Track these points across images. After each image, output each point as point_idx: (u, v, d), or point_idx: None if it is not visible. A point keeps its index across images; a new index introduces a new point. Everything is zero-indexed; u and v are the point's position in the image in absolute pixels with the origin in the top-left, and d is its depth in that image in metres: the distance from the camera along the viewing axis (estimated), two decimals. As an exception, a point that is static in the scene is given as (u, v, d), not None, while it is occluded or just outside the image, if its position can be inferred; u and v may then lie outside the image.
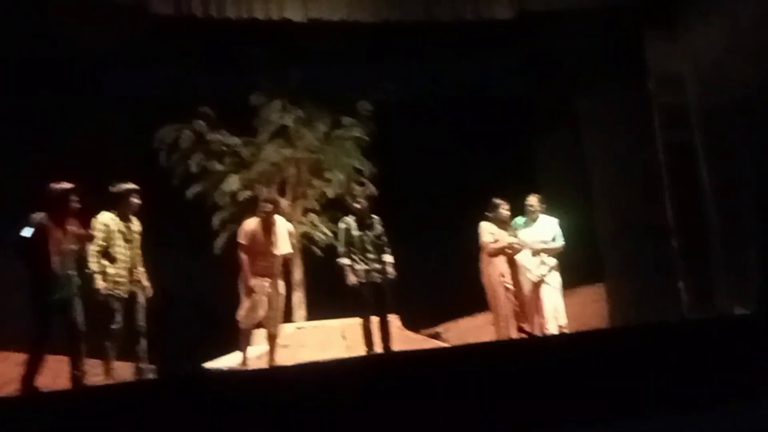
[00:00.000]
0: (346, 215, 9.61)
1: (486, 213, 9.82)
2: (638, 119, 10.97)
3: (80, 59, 10.82)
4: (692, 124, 10.79)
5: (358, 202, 9.57)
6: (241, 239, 9.14)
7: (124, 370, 8.47)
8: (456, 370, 6.78)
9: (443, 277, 12.87)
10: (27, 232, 7.63)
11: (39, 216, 7.71)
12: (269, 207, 9.22)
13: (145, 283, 8.47)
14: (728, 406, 6.14)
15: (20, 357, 9.44)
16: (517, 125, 12.87)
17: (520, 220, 9.86)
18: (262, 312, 9.07)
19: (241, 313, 9.06)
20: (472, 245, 10.90)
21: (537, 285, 9.68)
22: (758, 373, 6.46)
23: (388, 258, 9.41)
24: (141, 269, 8.46)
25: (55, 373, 7.99)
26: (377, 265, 9.34)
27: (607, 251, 11.59)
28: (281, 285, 9.21)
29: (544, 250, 9.69)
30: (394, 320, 10.34)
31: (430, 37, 11.30)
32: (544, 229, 9.76)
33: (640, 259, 11.02)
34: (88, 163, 10.12)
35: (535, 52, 12.27)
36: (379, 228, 9.48)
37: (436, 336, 12.48)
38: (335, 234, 10.03)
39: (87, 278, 8.04)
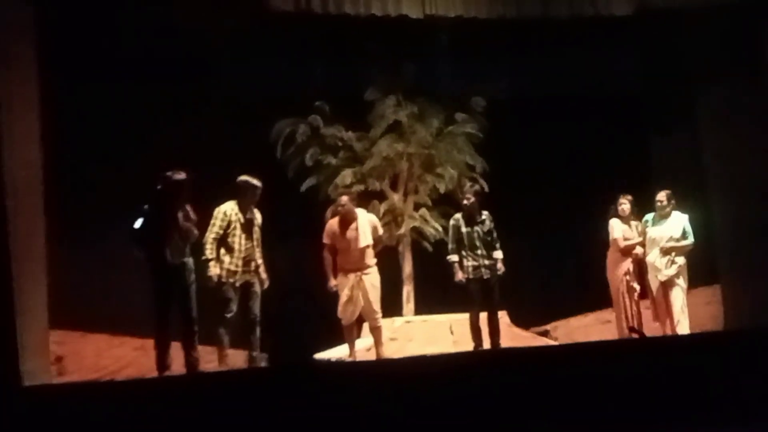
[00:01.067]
0: (457, 211, 9.65)
1: (612, 209, 9.78)
2: (759, 117, 10.66)
3: (199, 54, 11.10)
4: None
5: (466, 199, 9.58)
6: (325, 239, 9.22)
7: (236, 358, 8.69)
8: (564, 368, 6.75)
9: (554, 274, 12.78)
10: (137, 223, 7.87)
11: (147, 207, 7.94)
12: (343, 201, 9.27)
13: (263, 275, 8.66)
14: None
15: (137, 342, 9.82)
16: (633, 123, 12.66)
17: (649, 216, 9.73)
18: (357, 307, 9.13)
19: (339, 309, 9.18)
20: (585, 243, 10.82)
21: (665, 285, 9.52)
22: None
23: (498, 254, 9.41)
24: (260, 261, 8.64)
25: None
26: (486, 262, 9.37)
27: (724, 252, 11.29)
28: (373, 278, 9.20)
29: (674, 249, 9.53)
30: (502, 317, 10.31)
31: (546, 33, 11.22)
32: (674, 227, 9.58)
33: (758, 261, 10.71)
34: (207, 156, 10.42)
35: (653, 49, 12.05)
36: (489, 224, 9.48)
37: (544, 334, 12.38)
38: (445, 229, 10.07)
39: (203, 265, 8.25)
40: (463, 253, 9.37)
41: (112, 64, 10.63)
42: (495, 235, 9.48)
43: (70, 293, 9.34)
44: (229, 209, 8.51)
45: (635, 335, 9.51)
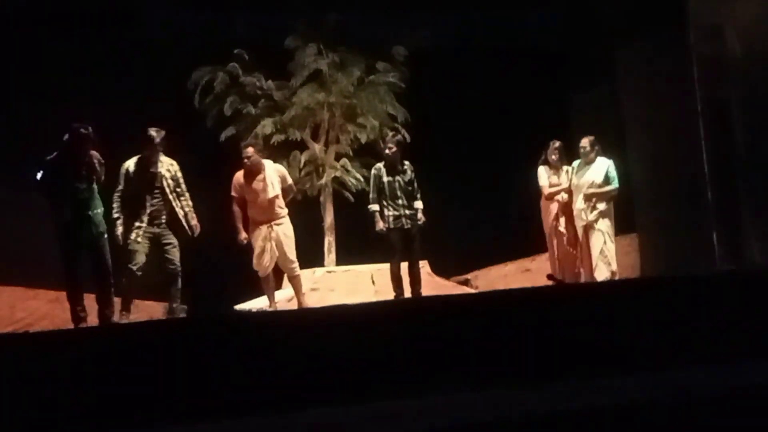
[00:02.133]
0: (379, 161, 9.65)
1: (542, 157, 9.92)
2: (677, 71, 10.82)
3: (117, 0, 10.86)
4: (730, 78, 10.65)
5: (388, 148, 9.58)
6: (232, 192, 9.19)
7: (155, 309, 8.60)
8: (483, 316, 6.81)
9: (475, 224, 12.88)
10: (39, 174, 7.75)
11: (50, 158, 7.81)
12: (249, 153, 9.17)
13: (192, 221, 8.56)
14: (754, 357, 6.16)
15: (52, 294, 9.66)
16: (552, 75, 12.76)
17: (576, 163, 9.84)
18: (272, 258, 9.13)
19: (254, 261, 9.17)
20: (506, 192, 10.91)
21: (586, 230, 9.64)
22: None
23: (418, 204, 9.45)
24: (186, 209, 8.56)
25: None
26: (407, 212, 9.40)
27: (641, 202, 11.51)
28: (285, 228, 9.20)
29: (595, 194, 9.64)
30: (423, 266, 10.40)
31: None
32: (596, 172, 9.68)
33: (673, 211, 10.94)
34: (123, 105, 10.21)
35: (573, 1, 12.12)
36: (410, 174, 9.50)
37: (465, 283, 12.52)
38: (367, 179, 10.04)
39: (109, 223, 8.13)
40: (384, 203, 9.39)
41: (24, 7, 10.31)
42: (416, 185, 9.51)
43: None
44: (132, 165, 8.40)
45: (552, 282, 9.67)
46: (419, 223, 9.43)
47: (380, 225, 9.35)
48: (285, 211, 9.25)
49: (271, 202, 9.09)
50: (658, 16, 10.85)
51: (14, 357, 6.02)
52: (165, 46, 11.48)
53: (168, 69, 11.48)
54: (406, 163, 9.56)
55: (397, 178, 9.44)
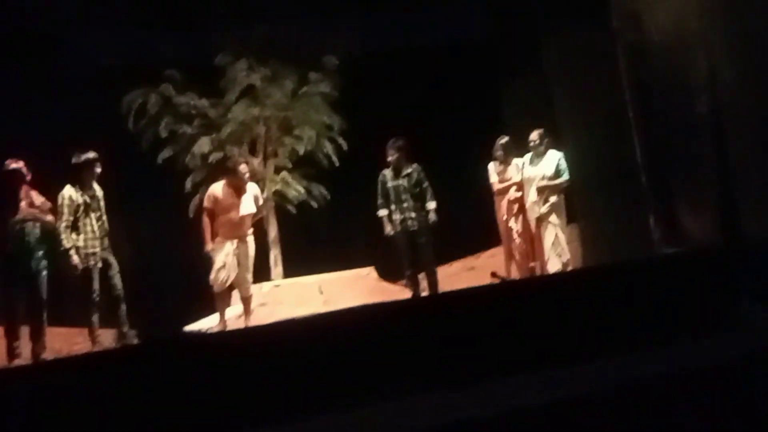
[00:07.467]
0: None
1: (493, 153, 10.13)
2: (604, 59, 10.97)
3: (41, 24, 10.73)
4: (653, 63, 10.83)
5: (390, 155, 9.77)
6: (206, 203, 9.21)
7: (105, 336, 8.57)
8: (431, 318, 6.87)
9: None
10: None
11: None
12: (246, 170, 9.30)
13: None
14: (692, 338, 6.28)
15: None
16: (483, 71, 12.86)
17: (527, 157, 9.97)
18: (231, 274, 9.12)
19: (212, 277, 9.15)
20: (447, 192, 10.98)
21: (538, 223, 9.79)
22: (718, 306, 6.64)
23: (430, 205, 9.74)
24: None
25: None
26: (413, 213, 9.64)
27: (579, 192, 11.64)
28: (250, 247, 9.25)
29: (547, 187, 9.78)
30: (370, 272, 10.47)
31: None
32: (548, 165, 9.85)
33: (611, 199, 11.08)
34: (54, 133, 10.11)
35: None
36: (416, 176, 9.78)
37: (412, 285, 12.55)
38: (307, 191, 10.09)
39: (62, 255, 8.09)
40: (392, 207, 9.60)
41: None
42: (425, 185, 9.69)
43: None
44: (73, 193, 8.31)
45: (496, 279, 9.79)
46: (430, 223, 9.64)
47: (388, 228, 9.62)
48: (251, 230, 9.31)
49: (244, 219, 9.12)
50: (583, 5, 10.97)
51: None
52: (94, 70, 11.38)
53: (98, 93, 11.39)
54: (414, 165, 9.78)
55: (401, 181, 9.64)
